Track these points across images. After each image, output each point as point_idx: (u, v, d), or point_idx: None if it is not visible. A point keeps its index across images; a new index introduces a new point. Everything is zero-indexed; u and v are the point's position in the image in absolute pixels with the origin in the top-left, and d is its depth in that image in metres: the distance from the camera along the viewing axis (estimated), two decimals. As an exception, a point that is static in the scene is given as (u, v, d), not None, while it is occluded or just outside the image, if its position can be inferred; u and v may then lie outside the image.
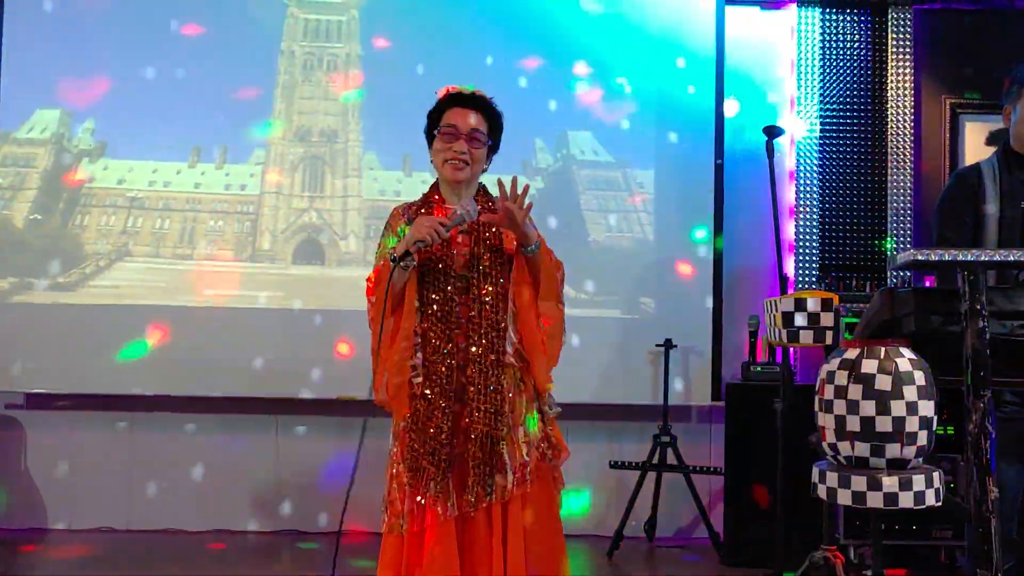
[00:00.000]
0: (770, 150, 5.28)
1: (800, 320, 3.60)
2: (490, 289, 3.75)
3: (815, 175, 7.05)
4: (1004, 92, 4.65)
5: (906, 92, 7.05)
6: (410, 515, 3.64)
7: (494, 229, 3.81)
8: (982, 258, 2.99)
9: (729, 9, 7.09)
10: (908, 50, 7.07)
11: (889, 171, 7.03)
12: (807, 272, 7.00)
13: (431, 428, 3.66)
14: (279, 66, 6.94)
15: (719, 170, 6.95)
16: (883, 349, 2.94)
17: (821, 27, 7.13)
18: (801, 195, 7.04)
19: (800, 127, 7.06)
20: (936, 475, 2.96)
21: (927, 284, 6.21)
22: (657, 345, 6.70)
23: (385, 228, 3.97)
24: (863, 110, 7.10)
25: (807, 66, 7.11)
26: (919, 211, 7.03)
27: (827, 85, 7.10)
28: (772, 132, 5.31)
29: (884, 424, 2.87)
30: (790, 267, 6.97)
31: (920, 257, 3.04)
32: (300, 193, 6.88)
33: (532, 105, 6.87)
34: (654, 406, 6.72)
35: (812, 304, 3.60)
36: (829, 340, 3.61)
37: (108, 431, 6.92)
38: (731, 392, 6.43)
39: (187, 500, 6.89)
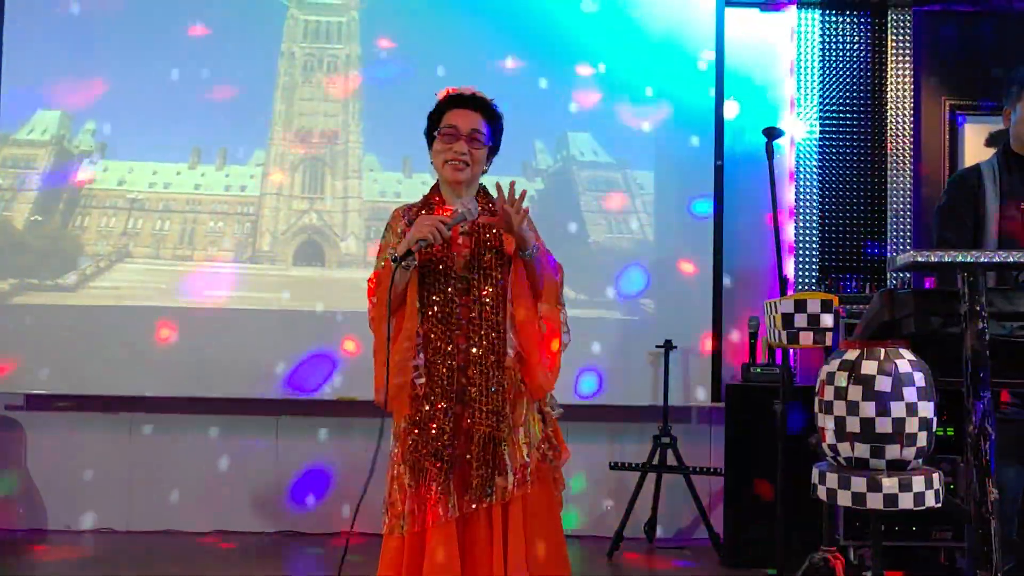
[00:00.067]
0: (770, 151, 5.28)
1: (800, 321, 3.60)
2: (490, 290, 3.75)
3: (815, 176, 7.06)
4: (1004, 93, 4.65)
5: (906, 94, 7.06)
6: (411, 516, 3.63)
7: (494, 230, 3.81)
8: (982, 259, 2.99)
9: (729, 11, 7.10)
10: (908, 52, 7.07)
11: (889, 172, 7.03)
12: (807, 273, 7.01)
13: (433, 429, 3.65)
14: (279, 67, 6.94)
15: (719, 171, 6.95)
16: (883, 350, 2.94)
17: (821, 29, 7.14)
18: (801, 196, 7.04)
19: (800, 128, 7.06)
20: (936, 476, 2.96)
21: (927, 285, 6.20)
22: (657, 346, 6.71)
23: (386, 229, 3.97)
24: (863, 112, 7.11)
25: (807, 68, 7.12)
26: (919, 212, 7.04)
27: (827, 87, 7.11)
28: (772, 134, 5.31)
29: (884, 425, 2.87)
30: (790, 268, 6.98)
31: (920, 258, 3.03)
32: (300, 194, 6.89)
33: (532, 106, 6.86)
34: (654, 407, 6.73)
35: (812, 305, 3.59)
36: (829, 341, 3.61)
37: (108, 432, 6.92)
38: (731, 393, 6.43)
39: (187, 501, 6.90)
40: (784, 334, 3.66)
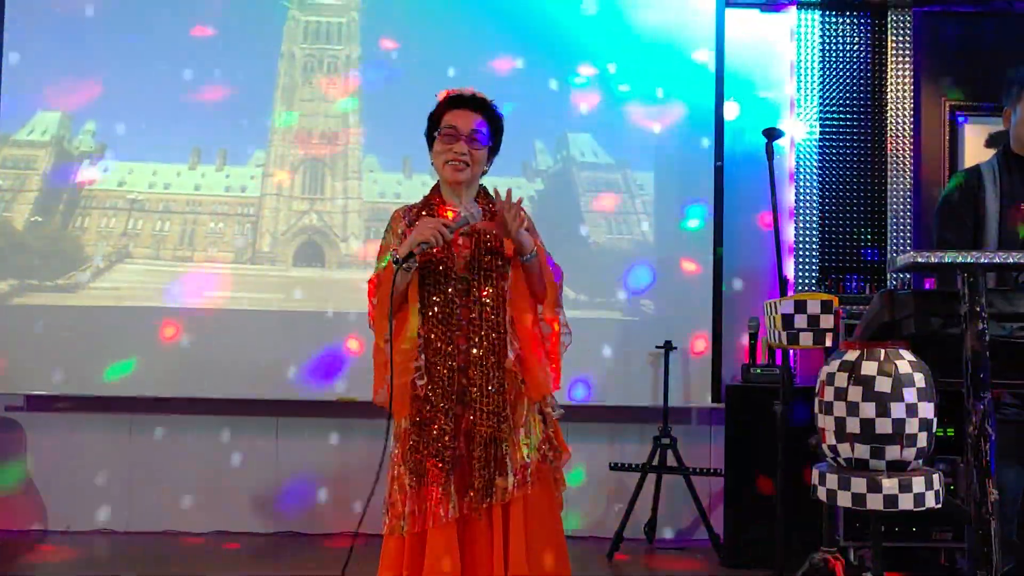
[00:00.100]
0: (770, 152, 5.28)
1: (800, 322, 3.60)
2: (490, 291, 3.77)
3: (815, 177, 7.05)
4: (1004, 94, 4.65)
5: (906, 94, 7.05)
6: (411, 517, 3.64)
7: (495, 231, 3.82)
8: (982, 260, 2.99)
9: (729, 11, 7.08)
10: (908, 53, 7.07)
11: (889, 173, 7.03)
12: (807, 274, 7.00)
13: (434, 430, 3.67)
14: (279, 68, 6.94)
15: (719, 172, 6.94)
16: (883, 351, 2.94)
17: (821, 29, 7.13)
18: (801, 197, 7.04)
19: (800, 129, 7.06)
20: (936, 477, 2.96)
21: (927, 286, 6.20)
22: (657, 347, 6.70)
23: (386, 230, 3.98)
24: (863, 112, 7.10)
25: (807, 68, 7.11)
26: (919, 213, 7.04)
27: (827, 87, 7.10)
28: (772, 134, 5.31)
29: (884, 426, 2.87)
30: (790, 269, 6.97)
31: (920, 259, 3.03)
32: (300, 195, 6.88)
33: (532, 107, 6.85)
34: (654, 408, 6.72)
35: (812, 306, 3.59)
36: (829, 342, 3.61)
37: (108, 433, 6.92)
38: (731, 394, 6.43)
39: (187, 502, 6.90)
40: (784, 335, 3.66)
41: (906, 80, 7.05)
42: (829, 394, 2.99)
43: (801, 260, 7.00)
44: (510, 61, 6.95)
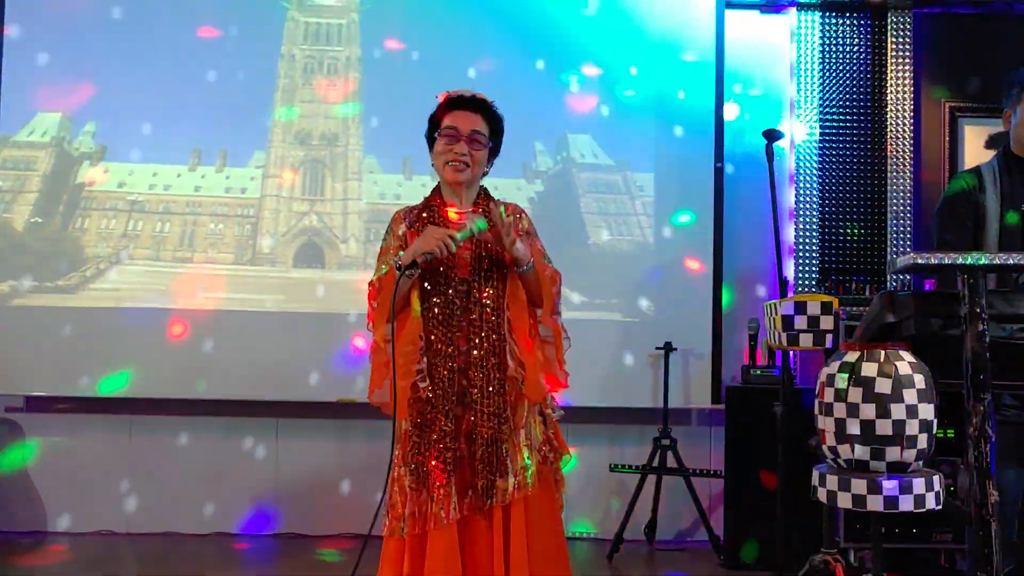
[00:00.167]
0: (770, 153, 5.28)
1: (800, 323, 3.61)
2: (491, 292, 3.77)
3: (815, 178, 7.05)
4: (1004, 95, 4.66)
5: (906, 96, 7.05)
6: (411, 518, 3.63)
7: (491, 243, 3.83)
8: (982, 261, 3.00)
9: (729, 12, 7.08)
10: (908, 54, 7.06)
11: (889, 174, 7.02)
12: (807, 275, 7.00)
13: (435, 431, 3.67)
14: (279, 69, 6.93)
15: (719, 173, 6.94)
16: (883, 352, 2.94)
17: (821, 30, 7.13)
18: (801, 198, 7.04)
19: (800, 130, 7.05)
20: (936, 478, 2.97)
21: (927, 287, 6.20)
22: (657, 348, 6.69)
23: (386, 232, 3.99)
24: (863, 113, 7.10)
25: (807, 69, 7.11)
26: (919, 214, 7.03)
27: (827, 88, 7.10)
28: (772, 135, 5.31)
29: (884, 427, 2.88)
30: (790, 270, 6.97)
31: (920, 260, 3.04)
32: (300, 196, 6.88)
33: (532, 108, 6.84)
34: (654, 409, 6.72)
35: (812, 307, 3.60)
36: (829, 343, 3.61)
37: (108, 434, 6.91)
38: (731, 395, 6.42)
39: (187, 503, 6.89)
40: (784, 336, 3.67)
41: (906, 81, 7.05)
42: (829, 395, 2.99)
43: (801, 261, 7.00)
44: (510, 62, 6.94)
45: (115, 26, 6.88)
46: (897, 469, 2.92)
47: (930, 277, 5.78)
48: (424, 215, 3.89)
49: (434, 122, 3.96)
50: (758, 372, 6.42)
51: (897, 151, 7.02)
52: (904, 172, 7.01)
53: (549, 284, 3.86)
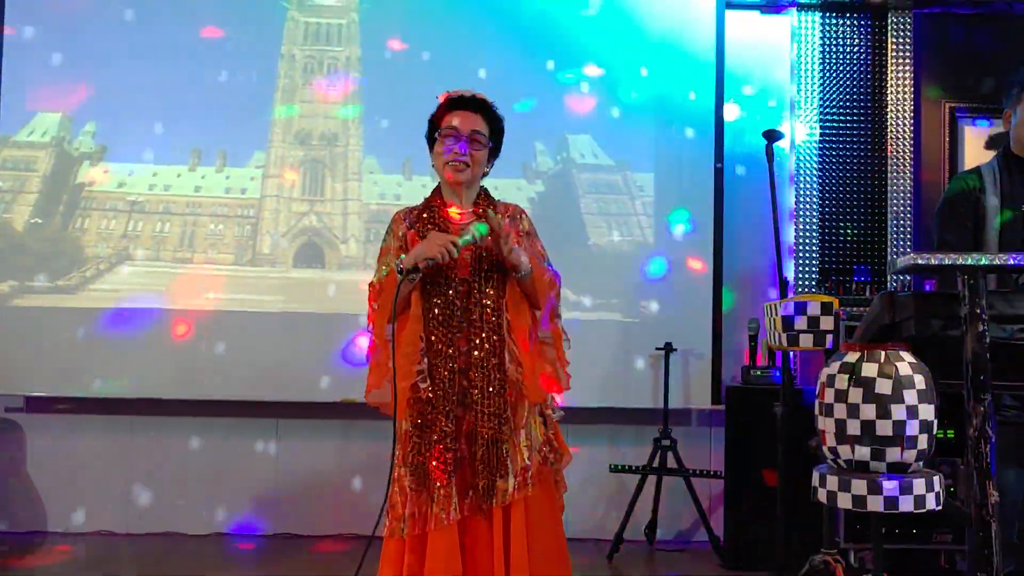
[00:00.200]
0: (770, 154, 5.28)
1: (800, 323, 3.60)
2: (491, 293, 3.76)
3: (815, 178, 7.05)
4: (1004, 96, 4.66)
5: (906, 96, 7.04)
6: (411, 519, 3.63)
7: (496, 233, 3.81)
8: (982, 262, 2.99)
9: (729, 13, 7.08)
10: (908, 54, 7.06)
11: (889, 175, 7.02)
12: (807, 276, 7.00)
13: (435, 432, 3.67)
14: (279, 70, 6.92)
15: (719, 173, 6.94)
16: (883, 353, 2.94)
17: (821, 31, 7.12)
18: (801, 198, 7.03)
19: (800, 131, 7.05)
20: (936, 479, 2.96)
21: (927, 288, 6.19)
22: (657, 348, 6.70)
23: (387, 232, 3.99)
24: (863, 114, 7.09)
25: (807, 70, 7.10)
26: (919, 215, 7.03)
27: (827, 89, 7.10)
28: (772, 136, 5.30)
29: (884, 428, 2.87)
30: (790, 271, 6.97)
31: (920, 261, 3.04)
32: (300, 197, 6.87)
33: (532, 108, 6.86)
34: (654, 409, 6.72)
35: (812, 308, 3.60)
36: (829, 344, 3.60)
37: (108, 434, 6.91)
38: (731, 395, 6.42)
39: (187, 504, 6.89)
40: (784, 336, 3.66)
41: (906, 82, 7.05)
42: (829, 396, 2.99)
43: (801, 262, 7.00)
44: (510, 62, 6.94)
45: (115, 26, 6.88)
46: (897, 470, 2.92)
47: (930, 278, 5.77)
48: (424, 215, 3.90)
49: (434, 122, 3.96)
50: (758, 373, 6.42)
51: (897, 151, 7.01)
52: (904, 172, 7.01)
53: (547, 289, 3.85)
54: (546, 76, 6.98)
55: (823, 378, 3.03)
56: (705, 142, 6.95)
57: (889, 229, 6.99)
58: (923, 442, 2.91)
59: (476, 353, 3.72)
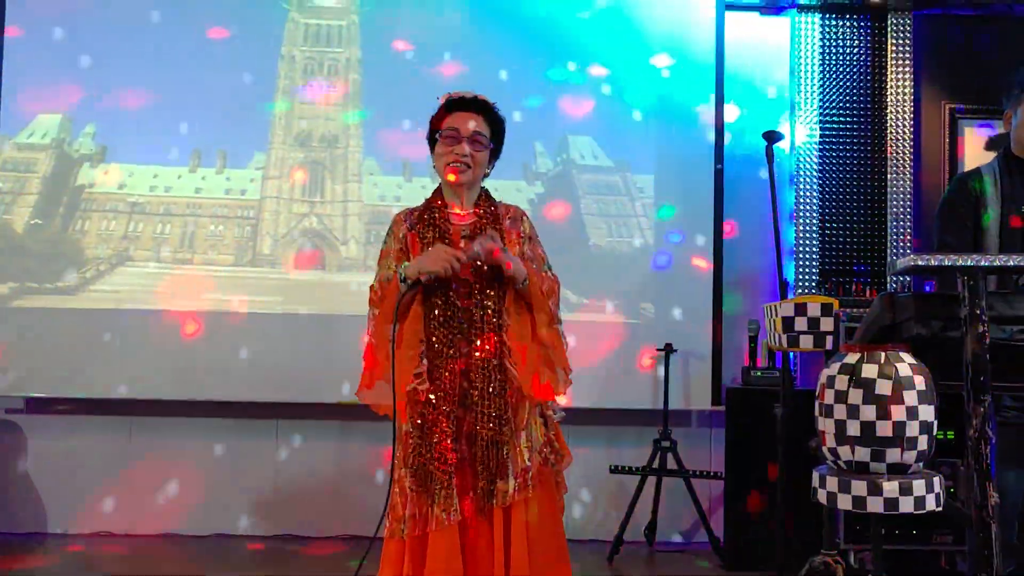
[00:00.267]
0: (770, 155, 5.26)
1: (800, 325, 3.60)
2: (492, 294, 3.76)
3: (815, 180, 7.04)
4: (1004, 96, 4.65)
5: (906, 97, 7.04)
6: (411, 520, 3.63)
7: (497, 233, 3.83)
8: (982, 263, 2.99)
9: (729, 14, 7.09)
10: (908, 55, 7.06)
11: (889, 176, 7.02)
12: (807, 277, 6.99)
13: (436, 433, 3.66)
14: (279, 71, 6.92)
15: (719, 175, 6.94)
16: (883, 354, 2.93)
17: (821, 32, 7.12)
18: (801, 200, 7.03)
19: (800, 132, 7.05)
20: (936, 480, 2.96)
21: (927, 289, 6.19)
22: (658, 350, 6.70)
23: (387, 234, 3.99)
24: (863, 115, 7.09)
25: (807, 71, 7.10)
26: (919, 216, 7.03)
27: (827, 90, 7.09)
28: (772, 137, 5.29)
29: (884, 429, 2.87)
30: (790, 272, 6.97)
31: (920, 262, 3.04)
32: (300, 198, 6.87)
33: (532, 109, 6.86)
34: (654, 410, 6.71)
35: (812, 309, 3.60)
36: (829, 345, 3.60)
37: (108, 435, 6.90)
38: (731, 397, 6.41)
39: (187, 504, 6.88)
40: (784, 337, 3.66)
41: (906, 83, 7.05)
42: (829, 397, 2.98)
43: (801, 263, 7.00)
44: (511, 63, 6.94)
45: (115, 27, 6.88)
46: (897, 471, 2.92)
47: (931, 279, 5.77)
48: (425, 217, 3.89)
49: (435, 123, 3.96)
50: (758, 374, 6.41)
51: (897, 153, 7.01)
52: (904, 174, 7.01)
53: (544, 298, 3.85)
54: (546, 77, 6.98)
55: (823, 379, 3.03)
56: (705, 143, 6.95)
57: (889, 230, 6.99)
58: (923, 443, 2.91)
59: (477, 354, 3.71)
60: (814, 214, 7.02)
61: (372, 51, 6.97)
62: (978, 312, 2.99)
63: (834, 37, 7.13)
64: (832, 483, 3.00)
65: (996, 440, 3.02)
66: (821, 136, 7.06)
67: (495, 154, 4.02)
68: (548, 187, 6.94)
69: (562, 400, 3.96)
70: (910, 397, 2.87)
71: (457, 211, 3.92)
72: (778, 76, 7.22)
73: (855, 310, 6.18)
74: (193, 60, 6.88)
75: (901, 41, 7.05)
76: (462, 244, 3.81)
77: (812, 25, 7.12)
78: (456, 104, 3.93)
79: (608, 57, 7.01)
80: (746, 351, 6.74)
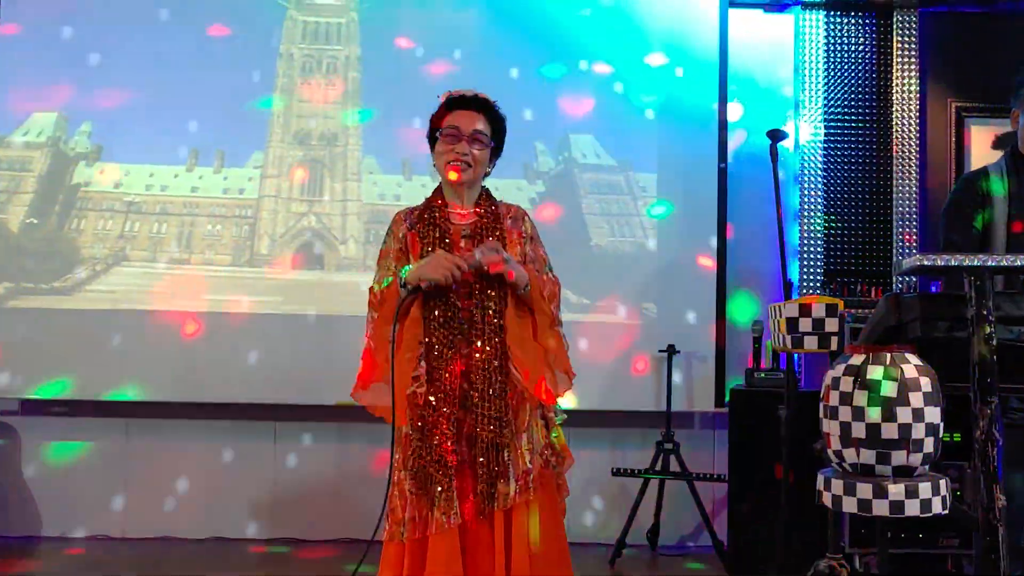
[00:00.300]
0: (774, 154, 5.23)
1: (805, 326, 3.58)
2: (492, 294, 3.75)
3: (820, 179, 7.01)
4: (1012, 95, 4.62)
5: (911, 96, 7.01)
6: (411, 523, 3.63)
7: (497, 233, 3.86)
8: (989, 263, 2.97)
9: (732, 11, 7.05)
10: (913, 53, 7.02)
11: (895, 175, 6.98)
12: (812, 277, 6.96)
13: (436, 435, 3.64)
14: (278, 69, 6.90)
15: (722, 174, 6.90)
16: (889, 355, 2.91)
17: (825, 30, 7.08)
18: (806, 199, 6.99)
19: (805, 130, 7.01)
20: (943, 483, 2.94)
21: (933, 289, 6.16)
22: (660, 351, 6.67)
23: (387, 234, 3.99)
24: (868, 114, 7.06)
25: (811, 69, 7.06)
26: (925, 215, 6.99)
27: (832, 88, 7.06)
28: (776, 136, 5.26)
29: (890, 431, 2.84)
30: (794, 272, 6.94)
31: (926, 262, 3.02)
32: (299, 197, 6.84)
33: (533, 107, 6.84)
34: (657, 412, 6.69)
35: (817, 310, 3.57)
36: (834, 346, 3.58)
37: (104, 437, 6.89)
38: (735, 398, 6.36)
39: (183, 507, 6.86)
40: (789, 338, 3.64)
41: (912, 81, 7.01)
42: (834, 399, 2.96)
43: (806, 263, 6.96)
44: (511, 61, 6.91)
45: (111, 25, 6.85)
46: (903, 473, 2.90)
47: (937, 279, 5.74)
48: (426, 216, 3.89)
49: (435, 122, 3.96)
50: (762, 375, 6.36)
51: (903, 151, 6.97)
52: (910, 173, 6.97)
53: (546, 302, 3.83)
54: (548, 75, 6.95)
55: (828, 381, 3.02)
56: (708, 142, 6.91)
57: (895, 230, 6.95)
58: (929, 445, 2.89)
59: (477, 355, 3.70)
60: (819, 213, 6.98)
61: (372, 49, 6.95)
62: (985, 313, 2.96)
63: (839, 34, 7.09)
64: (837, 486, 2.98)
65: (1003, 442, 3.00)
66: (826, 135, 7.02)
67: (496, 153, 4.03)
68: (549, 186, 6.91)
69: (563, 402, 3.97)
70: (916, 399, 2.85)
71: (458, 210, 3.91)
72: (782, 74, 7.18)
73: (860, 311, 6.14)
74: (190, 58, 6.85)
75: (907, 38, 7.02)
76: (462, 244, 3.84)
77: (816, 22, 7.09)
78: (456, 102, 3.94)
79: (610, 55, 6.97)
80: (750, 352, 6.69)
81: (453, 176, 3.84)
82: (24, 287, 6.68)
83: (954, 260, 2.98)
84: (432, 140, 3.96)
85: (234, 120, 6.85)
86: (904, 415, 2.83)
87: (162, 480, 6.88)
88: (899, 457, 2.87)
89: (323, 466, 6.92)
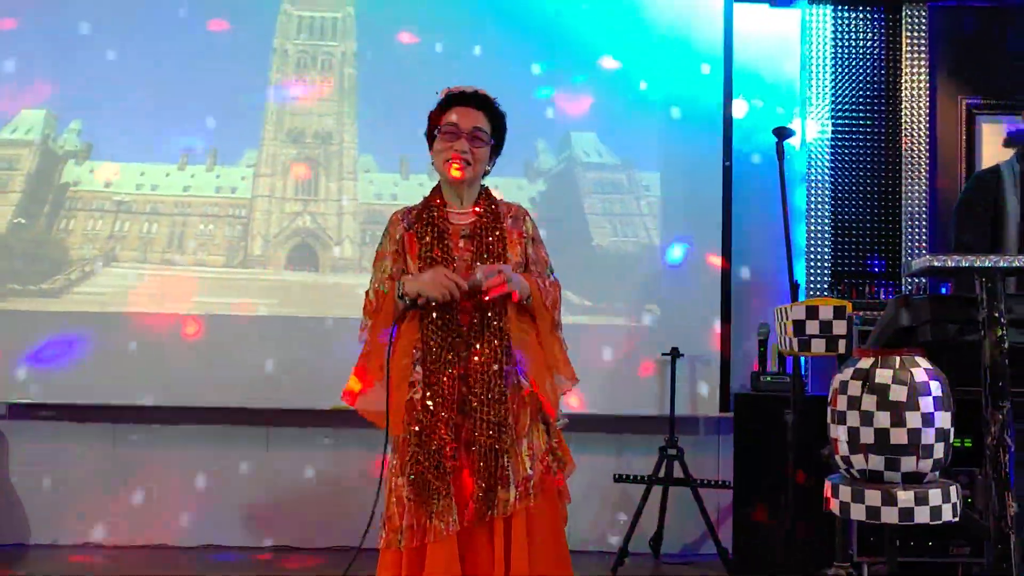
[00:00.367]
0: (780, 152, 5.20)
1: (812, 328, 3.60)
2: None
3: (827, 178, 6.94)
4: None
5: (921, 92, 6.96)
6: (409, 531, 3.60)
7: (497, 233, 3.84)
8: (1001, 264, 2.97)
9: (738, 6, 7.03)
10: (923, 49, 6.98)
11: (904, 173, 6.93)
12: (819, 278, 6.90)
13: (434, 441, 3.61)
14: (272, 64, 6.87)
15: (727, 172, 6.87)
16: (898, 358, 2.91)
17: (833, 25, 7.03)
18: (813, 198, 6.94)
19: (812, 128, 6.97)
20: (953, 489, 2.98)
21: (943, 291, 6.11)
22: (663, 354, 6.61)
23: (383, 235, 3.96)
24: (877, 111, 7.00)
25: (819, 65, 7.01)
26: (934, 214, 6.94)
27: (839, 84, 7.00)
28: (782, 133, 5.24)
29: (899, 436, 2.87)
30: (801, 273, 6.87)
31: (936, 263, 3.03)
32: (293, 196, 6.81)
33: (534, 105, 6.83)
34: (660, 417, 6.64)
35: (824, 312, 3.58)
36: (842, 349, 3.56)
37: (93, 442, 6.85)
38: (740, 403, 6.34)
39: (174, 514, 6.84)
40: (795, 341, 3.66)
41: (921, 77, 6.96)
42: (842, 403, 3.01)
43: (813, 264, 6.91)
44: (512, 58, 6.88)
45: (102, 20, 6.82)
46: (913, 480, 2.95)
47: (947, 280, 5.70)
48: (424, 216, 3.86)
49: (434, 119, 3.93)
50: (768, 379, 6.35)
51: (912, 149, 6.92)
52: (919, 171, 6.92)
53: (548, 310, 3.83)
54: (549, 72, 6.92)
55: (835, 384, 3.05)
56: (713, 140, 6.88)
57: (904, 229, 6.90)
58: (939, 451, 2.93)
59: (476, 359, 3.68)
60: (826, 213, 6.92)
61: (368, 44, 6.92)
62: (997, 315, 2.98)
63: (846, 30, 7.03)
64: (845, 492, 3.02)
65: (1015, 448, 2.96)
66: (833, 132, 6.96)
67: (496, 151, 4.02)
68: (550, 185, 6.89)
69: (564, 406, 3.97)
70: (926, 403, 2.87)
71: (457, 210, 3.89)
72: (789, 70, 7.15)
73: (869, 313, 6.12)
74: (182, 54, 6.81)
75: (916, 33, 6.97)
76: (461, 244, 3.83)
77: (823, 17, 7.03)
78: (456, 99, 3.92)
79: (613, 51, 6.94)
80: (756, 356, 6.65)
81: (456, 174, 3.80)
82: (11, 289, 6.63)
83: (965, 261, 3.01)
84: (431, 138, 3.92)
85: (227, 118, 6.81)
86: (914, 420, 2.86)
87: (153, 487, 6.85)
88: (908, 463, 2.89)
89: (317, 471, 6.90)
